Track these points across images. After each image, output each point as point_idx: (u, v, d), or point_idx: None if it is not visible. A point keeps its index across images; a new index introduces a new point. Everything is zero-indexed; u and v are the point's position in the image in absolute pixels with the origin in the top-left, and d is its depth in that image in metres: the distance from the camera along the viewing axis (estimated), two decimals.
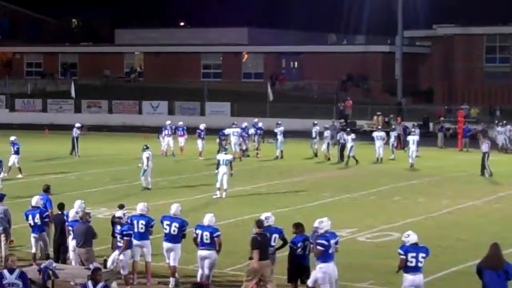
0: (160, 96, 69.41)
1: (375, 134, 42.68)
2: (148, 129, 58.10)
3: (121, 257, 17.67)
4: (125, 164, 39.93)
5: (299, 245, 16.55)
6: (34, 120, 66.74)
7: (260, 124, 44.95)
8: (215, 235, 17.32)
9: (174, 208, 18.29)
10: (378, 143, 41.82)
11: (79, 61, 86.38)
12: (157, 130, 55.50)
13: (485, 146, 37.06)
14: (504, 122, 49.15)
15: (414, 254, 15.27)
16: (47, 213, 19.63)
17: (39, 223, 19.16)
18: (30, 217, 19.27)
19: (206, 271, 17.48)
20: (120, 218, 18.17)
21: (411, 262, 15.25)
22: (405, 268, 15.32)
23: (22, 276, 13.86)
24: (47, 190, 21.23)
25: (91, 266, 15.12)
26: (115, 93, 72.64)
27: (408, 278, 15.34)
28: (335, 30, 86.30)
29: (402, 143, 46.79)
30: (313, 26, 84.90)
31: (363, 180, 35.20)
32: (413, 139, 40.11)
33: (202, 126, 43.13)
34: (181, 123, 45.60)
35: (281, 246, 17.19)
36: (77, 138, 43.49)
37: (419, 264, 15.29)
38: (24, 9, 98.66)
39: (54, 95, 73.85)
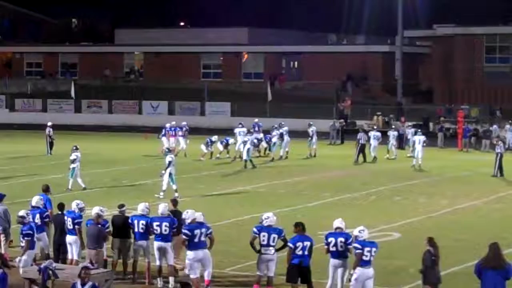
0: (160, 96, 69.40)
1: (370, 133, 42.93)
2: (148, 129, 58.09)
3: (24, 257, 17.47)
4: (125, 164, 39.99)
5: (297, 245, 16.53)
6: (34, 120, 66.70)
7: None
8: (208, 232, 17.37)
9: (161, 208, 18.38)
10: (374, 143, 42.07)
11: (79, 61, 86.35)
12: (157, 130, 55.64)
13: (500, 147, 37.12)
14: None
15: (369, 249, 15.93)
16: (47, 213, 19.62)
17: (39, 223, 19.14)
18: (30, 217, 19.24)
19: (205, 271, 17.45)
20: (23, 217, 17.91)
21: (366, 256, 15.91)
22: (360, 262, 15.92)
23: (1, 275, 13.83)
24: (46, 190, 21.23)
25: (80, 265, 14.98)
26: (115, 93, 72.64)
27: (363, 271, 15.88)
28: (335, 30, 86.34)
29: (404, 143, 46.87)
30: (313, 26, 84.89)
31: (363, 180, 35.20)
32: (419, 139, 40.08)
33: (214, 138, 42.70)
34: (173, 123, 45.44)
35: (281, 247, 17.18)
36: (50, 136, 44.02)
37: (372, 259, 15.97)
38: (24, 9, 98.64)
39: (54, 95, 73.85)
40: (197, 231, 17.13)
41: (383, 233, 23.74)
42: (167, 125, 44.31)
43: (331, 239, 16.56)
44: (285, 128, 43.30)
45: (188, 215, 17.43)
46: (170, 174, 29.54)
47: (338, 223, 16.95)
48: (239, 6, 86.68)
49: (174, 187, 29.45)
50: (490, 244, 14.66)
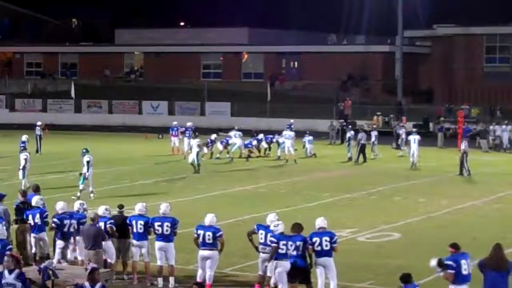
0: (160, 96, 69.42)
1: (349, 133, 43.52)
2: (148, 129, 58.13)
3: None
4: (125, 164, 40.00)
5: (289, 244, 16.55)
6: (34, 120, 66.54)
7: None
8: (217, 235, 17.35)
9: (163, 208, 18.33)
10: (353, 143, 42.48)
11: (79, 61, 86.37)
12: (157, 131, 55.72)
13: (464, 146, 37.37)
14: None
15: (284, 242, 16.33)
16: (47, 213, 19.60)
17: (39, 223, 19.13)
18: (30, 217, 19.25)
19: (208, 271, 17.45)
20: None
21: (282, 249, 16.32)
22: (276, 255, 16.33)
23: (21, 277, 13.80)
24: (37, 190, 21.13)
25: (89, 267, 15.02)
26: (115, 93, 72.66)
27: (280, 263, 16.34)
28: (335, 30, 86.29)
29: (401, 142, 46.98)
30: (313, 26, 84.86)
31: (363, 180, 35.21)
32: (414, 138, 40.14)
33: (213, 137, 42.66)
34: (175, 122, 45.39)
35: None
36: (40, 136, 44.00)
37: (288, 252, 16.36)
38: (24, 9, 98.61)
39: (54, 95, 73.84)
40: (66, 221, 18.20)
41: (383, 233, 23.76)
42: (188, 124, 44.01)
43: (316, 239, 16.58)
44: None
45: (60, 206, 18.49)
46: (81, 173, 29.29)
47: (320, 222, 16.91)
48: (239, 6, 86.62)
49: (81, 187, 29.13)
50: (494, 245, 14.67)
